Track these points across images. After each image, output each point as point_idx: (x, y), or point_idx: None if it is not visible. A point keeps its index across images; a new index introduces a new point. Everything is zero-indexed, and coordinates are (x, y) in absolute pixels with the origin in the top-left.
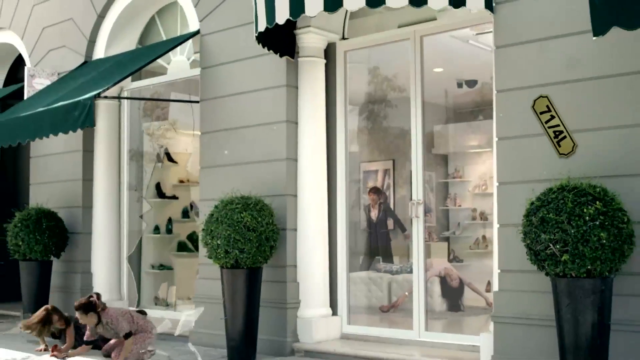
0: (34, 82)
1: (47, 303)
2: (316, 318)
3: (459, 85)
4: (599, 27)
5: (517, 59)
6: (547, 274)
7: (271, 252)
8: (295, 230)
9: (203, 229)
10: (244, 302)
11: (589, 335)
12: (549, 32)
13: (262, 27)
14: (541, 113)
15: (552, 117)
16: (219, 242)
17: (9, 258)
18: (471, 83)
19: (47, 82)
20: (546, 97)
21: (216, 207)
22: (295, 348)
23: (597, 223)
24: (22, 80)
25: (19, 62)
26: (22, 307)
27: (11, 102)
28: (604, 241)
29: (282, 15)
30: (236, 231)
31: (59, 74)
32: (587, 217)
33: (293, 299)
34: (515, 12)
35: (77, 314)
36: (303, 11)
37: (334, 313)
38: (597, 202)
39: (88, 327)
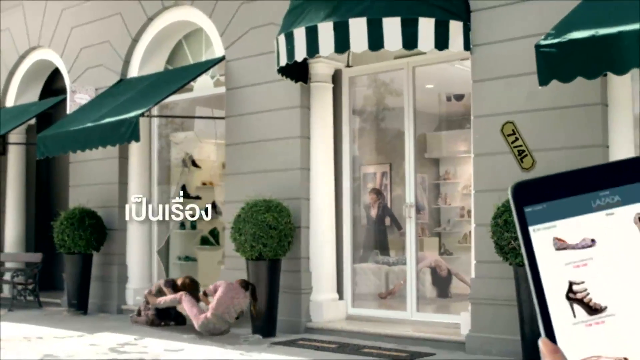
0: (76, 97)
1: (88, 292)
2: (326, 301)
3: (448, 98)
4: (542, 80)
5: (489, 91)
6: (510, 264)
7: (289, 247)
8: (308, 228)
9: (232, 227)
10: (266, 288)
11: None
12: (514, 70)
13: (283, 62)
14: (508, 135)
15: (517, 138)
16: (245, 238)
17: (49, 252)
18: (458, 97)
19: (87, 97)
20: (512, 122)
21: (243, 208)
22: (308, 326)
23: None
24: (57, 91)
25: (53, 75)
26: (67, 295)
27: (49, 112)
28: None
29: (300, 54)
30: (260, 229)
31: (96, 89)
32: None
33: (306, 285)
34: (488, 53)
35: None
36: (317, 52)
37: (341, 298)
38: None
39: None
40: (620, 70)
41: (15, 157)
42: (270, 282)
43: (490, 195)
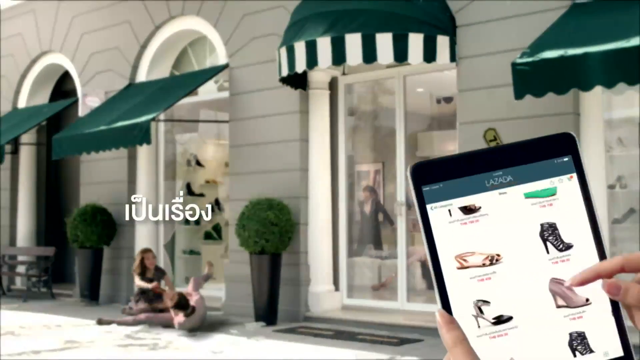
0: (87, 100)
1: (99, 283)
2: (323, 293)
3: (438, 101)
4: (518, 94)
5: (473, 101)
6: None
7: (289, 242)
8: (307, 224)
9: (236, 224)
10: (268, 280)
11: None
12: (495, 81)
13: (284, 73)
14: (490, 140)
15: (498, 143)
16: (249, 233)
17: (59, 246)
18: (447, 99)
19: (97, 100)
20: (493, 129)
21: (246, 206)
22: (307, 315)
23: None
24: (66, 93)
25: (62, 77)
26: (79, 287)
27: (58, 113)
28: None
29: (300, 66)
30: (263, 225)
31: (106, 93)
32: None
33: (305, 278)
34: (472, 65)
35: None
36: (316, 64)
37: (337, 289)
38: None
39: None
40: (586, 87)
41: (26, 156)
42: (272, 274)
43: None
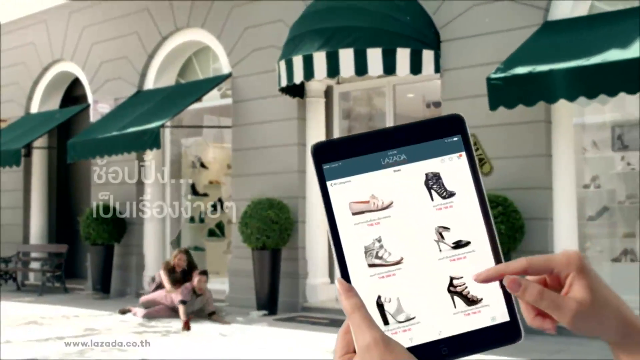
0: (98, 107)
1: (110, 278)
2: (319, 285)
3: (427, 105)
4: (492, 105)
5: (455, 109)
6: None
7: (288, 238)
8: (304, 222)
9: (239, 222)
10: (269, 274)
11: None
12: (476, 91)
13: (283, 84)
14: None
15: (477, 149)
16: (251, 231)
17: (69, 244)
18: (436, 104)
19: (107, 107)
20: (474, 135)
21: (249, 205)
22: (305, 306)
23: (499, 219)
24: (76, 98)
25: (72, 84)
26: (91, 281)
27: (70, 118)
28: (503, 231)
29: (298, 77)
30: (264, 223)
31: (115, 99)
32: (493, 216)
33: (303, 271)
34: (455, 76)
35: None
36: (313, 76)
37: (332, 281)
38: (499, 206)
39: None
40: (551, 100)
41: (38, 159)
42: (273, 268)
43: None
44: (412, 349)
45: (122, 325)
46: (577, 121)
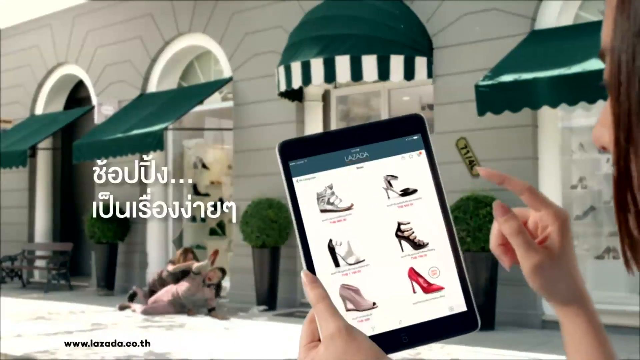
0: (102, 109)
1: (114, 275)
2: None
3: (423, 108)
4: (480, 111)
5: (447, 113)
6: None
7: (287, 237)
8: None
9: (241, 221)
10: (268, 271)
11: (484, 286)
12: (466, 97)
13: (282, 89)
14: (461, 148)
15: (468, 151)
16: (252, 229)
17: (75, 242)
18: (431, 106)
19: (112, 109)
20: (464, 138)
21: (249, 205)
22: (303, 302)
23: (488, 219)
24: (80, 100)
25: (76, 87)
26: (96, 278)
27: (73, 120)
28: None
29: (296, 83)
30: (264, 222)
31: (119, 102)
32: (481, 216)
33: (301, 268)
34: (446, 82)
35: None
36: (310, 82)
37: None
38: (487, 206)
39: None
40: (534, 107)
41: (43, 159)
42: (272, 266)
43: (446, 196)
44: (374, 337)
45: (127, 321)
46: (565, 125)
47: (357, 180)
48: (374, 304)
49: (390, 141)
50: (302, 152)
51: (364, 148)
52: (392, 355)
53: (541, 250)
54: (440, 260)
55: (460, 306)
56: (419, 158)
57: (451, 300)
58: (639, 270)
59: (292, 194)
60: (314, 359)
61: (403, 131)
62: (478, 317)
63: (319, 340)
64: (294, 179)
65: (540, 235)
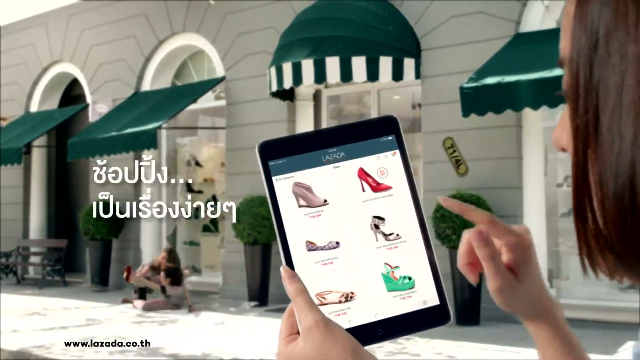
0: (96, 107)
1: (108, 271)
2: None
3: (413, 106)
4: (464, 113)
5: (434, 113)
6: (445, 247)
7: None
8: None
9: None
10: (260, 267)
11: (469, 283)
12: (453, 97)
13: (274, 89)
14: (448, 148)
15: (454, 151)
16: (243, 226)
17: (69, 238)
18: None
19: (106, 107)
20: (451, 138)
21: (241, 203)
22: None
23: None
24: (74, 98)
25: (70, 84)
26: (90, 275)
27: (68, 117)
28: None
29: (287, 83)
30: (256, 219)
31: (113, 100)
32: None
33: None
34: (434, 83)
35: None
36: (301, 82)
37: None
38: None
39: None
40: (517, 109)
41: (38, 156)
42: (264, 262)
43: (433, 194)
44: (351, 330)
45: (121, 316)
46: (548, 125)
47: (334, 179)
48: (352, 293)
49: (366, 142)
50: (281, 152)
51: (340, 148)
52: (377, 351)
53: (507, 275)
54: (412, 255)
55: (433, 300)
56: (393, 158)
57: (424, 295)
58: (597, 278)
59: (271, 192)
60: (293, 351)
61: (378, 132)
62: (450, 310)
63: (298, 333)
64: (274, 178)
65: (506, 259)
